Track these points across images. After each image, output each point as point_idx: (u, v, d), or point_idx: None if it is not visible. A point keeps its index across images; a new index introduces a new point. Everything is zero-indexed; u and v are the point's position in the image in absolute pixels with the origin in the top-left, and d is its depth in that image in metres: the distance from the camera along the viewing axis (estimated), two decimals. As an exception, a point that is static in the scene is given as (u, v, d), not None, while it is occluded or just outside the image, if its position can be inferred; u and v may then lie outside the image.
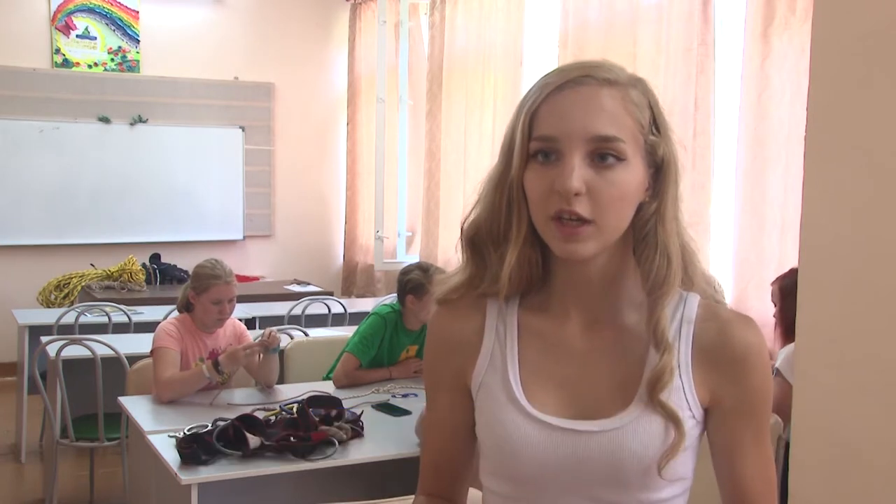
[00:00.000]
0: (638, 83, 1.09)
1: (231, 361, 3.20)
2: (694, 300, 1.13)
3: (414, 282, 3.58)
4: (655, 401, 1.06)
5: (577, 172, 1.02)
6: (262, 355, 3.32)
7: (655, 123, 1.08)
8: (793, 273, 3.11)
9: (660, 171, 1.09)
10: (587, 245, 1.04)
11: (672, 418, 1.06)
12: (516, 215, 1.09)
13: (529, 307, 1.16)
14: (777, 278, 3.20)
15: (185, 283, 3.55)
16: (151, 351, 3.30)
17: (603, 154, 1.04)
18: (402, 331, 3.69)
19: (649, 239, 1.09)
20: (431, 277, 3.56)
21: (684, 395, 1.09)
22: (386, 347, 3.66)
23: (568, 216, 1.03)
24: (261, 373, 3.40)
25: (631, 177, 1.05)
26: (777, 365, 2.88)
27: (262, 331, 4.10)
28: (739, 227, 3.69)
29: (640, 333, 1.11)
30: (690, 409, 1.09)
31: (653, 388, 1.07)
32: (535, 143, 1.06)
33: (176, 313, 3.56)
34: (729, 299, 3.73)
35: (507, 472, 1.12)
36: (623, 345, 1.12)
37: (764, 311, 3.38)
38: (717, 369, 1.10)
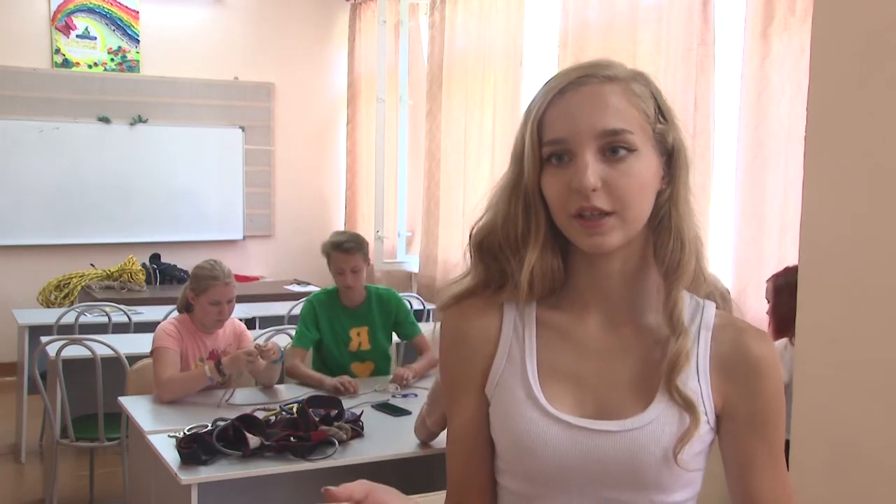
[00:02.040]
0: (639, 76, 1.10)
1: (233, 365, 3.21)
2: (711, 308, 1.15)
3: (325, 245, 3.66)
4: (672, 387, 1.07)
5: (592, 168, 1.03)
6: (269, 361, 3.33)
7: (661, 112, 1.10)
8: (787, 271, 3.13)
9: (671, 157, 1.11)
10: (612, 236, 1.05)
11: (687, 405, 1.07)
12: (534, 220, 1.10)
13: (548, 305, 1.16)
14: (772, 276, 3.23)
15: (185, 284, 3.55)
16: (151, 351, 3.30)
17: (614, 147, 1.05)
18: (341, 310, 3.68)
19: (664, 224, 1.10)
20: (339, 237, 3.65)
21: (701, 398, 1.09)
22: (328, 330, 3.65)
23: (589, 213, 1.04)
24: (262, 376, 3.41)
25: (644, 166, 1.06)
26: None
27: (262, 331, 4.12)
28: (739, 226, 3.69)
29: (661, 334, 1.11)
30: (706, 413, 1.09)
31: (670, 373, 1.08)
32: (546, 147, 1.07)
33: (175, 313, 3.56)
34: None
35: (523, 470, 1.11)
36: (643, 344, 1.12)
37: (763, 310, 3.38)
38: (731, 377, 1.11)
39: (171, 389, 3.18)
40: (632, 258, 1.11)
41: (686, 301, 1.12)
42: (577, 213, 1.04)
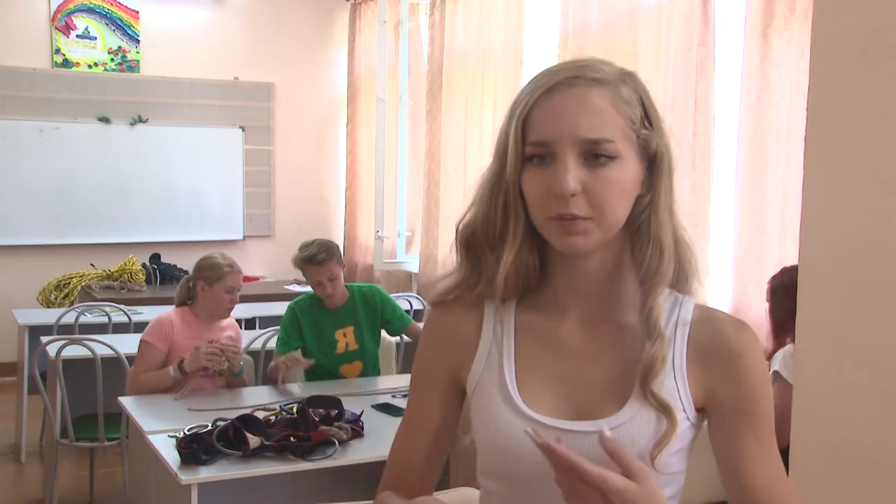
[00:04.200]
0: (628, 78, 1.09)
1: (193, 363, 3.26)
2: (689, 303, 1.14)
3: (296, 259, 3.65)
4: (647, 391, 1.07)
5: (572, 174, 1.03)
6: (227, 372, 3.36)
7: (647, 117, 1.09)
8: (784, 272, 3.12)
9: (653, 163, 1.10)
10: (587, 238, 1.05)
11: (663, 409, 1.07)
12: (513, 217, 1.10)
13: (527, 306, 1.17)
14: (771, 277, 3.22)
15: (185, 277, 3.57)
16: (140, 341, 3.38)
17: (596, 154, 1.05)
18: (324, 314, 3.66)
19: (642, 230, 1.10)
20: (308, 251, 3.61)
21: (678, 395, 1.09)
22: (311, 334, 3.64)
23: (568, 218, 1.04)
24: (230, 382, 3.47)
25: (625, 173, 1.06)
26: (776, 368, 2.88)
27: (262, 331, 4.12)
28: (739, 227, 3.69)
29: (638, 333, 1.11)
30: (685, 410, 1.09)
31: (645, 377, 1.07)
32: (529, 147, 1.07)
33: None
34: (729, 299, 3.73)
35: (502, 472, 1.12)
36: (620, 343, 1.12)
37: (763, 310, 3.38)
38: (713, 369, 1.10)
39: (140, 386, 3.28)
40: (609, 260, 1.11)
41: (664, 296, 1.12)
42: (556, 217, 1.05)
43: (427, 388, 1.20)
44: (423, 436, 1.20)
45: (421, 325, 3.93)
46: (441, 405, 1.19)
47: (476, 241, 1.14)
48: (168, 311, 3.55)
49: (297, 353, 3.47)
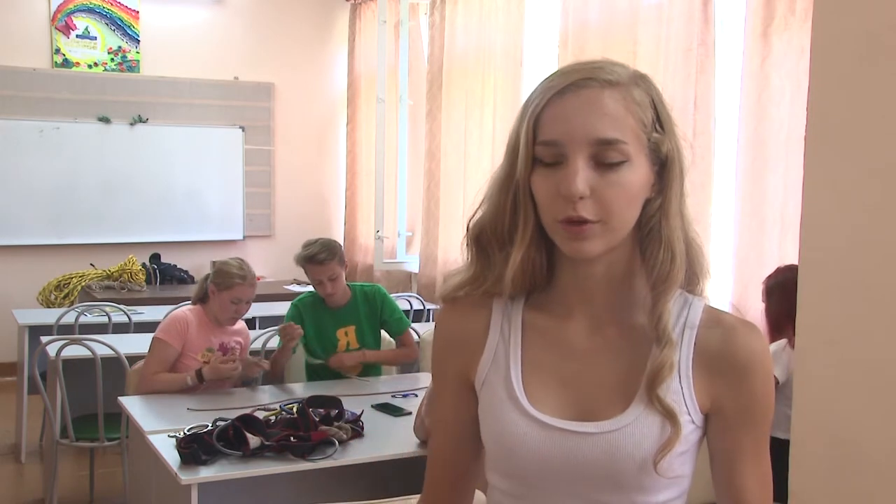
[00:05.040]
0: (641, 81, 1.09)
1: (213, 374, 3.26)
2: (699, 305, 1.14)
3: (298, 257, 3.64)
4: (653, 396, 1.06)
5: (581, 175, 1.03)
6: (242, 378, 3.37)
7: (659, 120, 1.09)
8: (779, 272, 3.13)
9: (664, 167, 1.10)
10: (595, 243, 1.05)
11: (668, 414, 1.06)
12: (522, 217, 1.10)
13: (535, 305, 1.16)
14: (767, 277, 3.23)
15: (204, 276, 3.56)
16: (154, 338, 3.36)
17: (606, 156, 1.04)
18: (326, 312, 3.67)
19: (653, 234, 1.09)
20: (310, 249, 3.59)
21: (683, 399, 1.09)
22: (313, 332, 3.65)
23: (576, 221, 1.04)
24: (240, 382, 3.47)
25: (635, 176, 1.06)
26: None
27: (262, 331, 4.12)
28: (739, 227, 3.69)
29: (646, 335, 1.11)
30: (689, 413, 1.09)
31: (651, 383, 1.07)
32: (539, 147, 1.06)
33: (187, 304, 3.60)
34: (729, 299, 3.73)
35: (507, 469, 1.13)
36: (628, 345, 1.12)
37: (762, 310, 3.38)
38: (719, 375, 1.10)
39: (152, 386, 3.26)
40: (617, 263, 1.11)
41: (674, 298, 1.11)
42: (564, 220, 1.04)
43: (445, 387, 1.21)
44: (445, 432, 1.21)
45: (419, 331, 3.93)
46: (456, 400, 1.19)
47: (485, 239, 1.14)
48: (183, 308, 3.55)
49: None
